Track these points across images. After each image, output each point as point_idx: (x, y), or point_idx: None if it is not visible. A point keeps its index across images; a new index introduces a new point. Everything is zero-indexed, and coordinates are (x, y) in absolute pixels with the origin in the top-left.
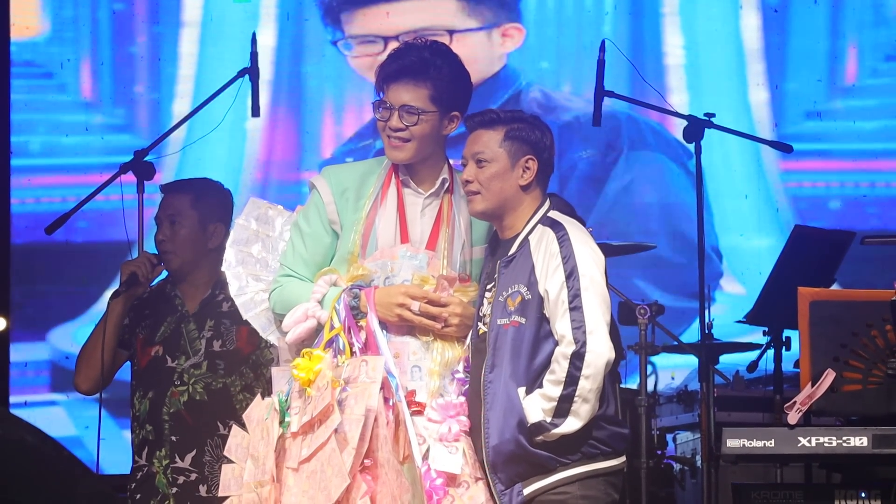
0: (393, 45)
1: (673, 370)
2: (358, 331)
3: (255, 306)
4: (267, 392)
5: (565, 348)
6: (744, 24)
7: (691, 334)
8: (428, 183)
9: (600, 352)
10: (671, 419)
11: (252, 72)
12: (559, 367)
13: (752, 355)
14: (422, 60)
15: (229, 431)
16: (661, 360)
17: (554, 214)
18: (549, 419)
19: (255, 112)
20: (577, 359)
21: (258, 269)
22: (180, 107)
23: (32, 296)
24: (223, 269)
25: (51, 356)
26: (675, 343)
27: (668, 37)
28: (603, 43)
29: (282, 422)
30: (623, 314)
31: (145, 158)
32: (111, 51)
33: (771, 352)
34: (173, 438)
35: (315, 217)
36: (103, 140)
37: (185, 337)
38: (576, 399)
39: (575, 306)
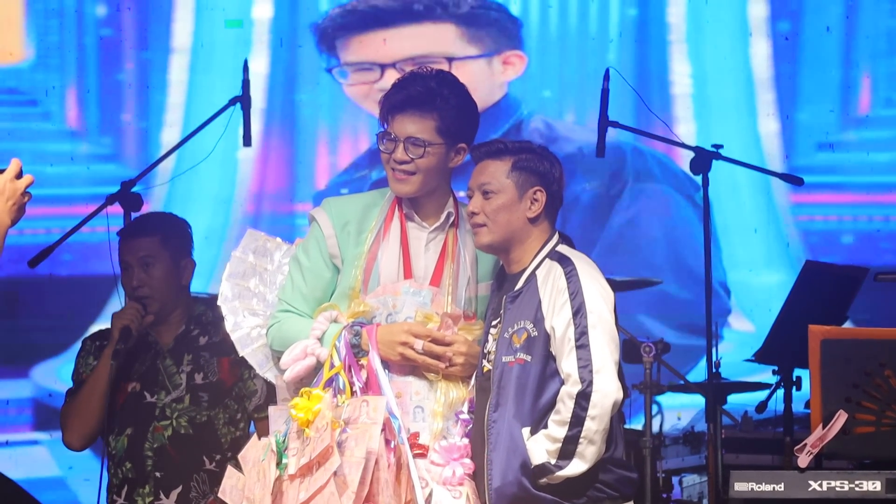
0: (390, 72)
1: (679, 410)
2: (359, 370)
3: (251, 342)
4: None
5: (571, 388)
6: (753, 53)
7: (698, 373)
8: (432, 216)
9: (607, 391)
10: (677, 461)
11: (244, 100)
12: (564, 407)
13: (761, 395)
14: (428, 90)
15: (215, 466)
16: (666, 399)
17: (562, 249)
18: (553, 461)
19: (247, 142)
20: (583, 399)
21: (255, 303)
22: (169, 136)
23: (15, 331)
24: (219, 303)
25: (33, 393)
26: (682, 382)
27: (675, 65)
28: (607, 71)
29: (279, 463)
30: (627, 352)
31: (132, 189)
32: (98, 78)
33: (781, 392)
34: (157, 475)
35: (315, 251)
36: (89, 170)
37: (162, 372)
38: (581, 440)
39: (582, 344)
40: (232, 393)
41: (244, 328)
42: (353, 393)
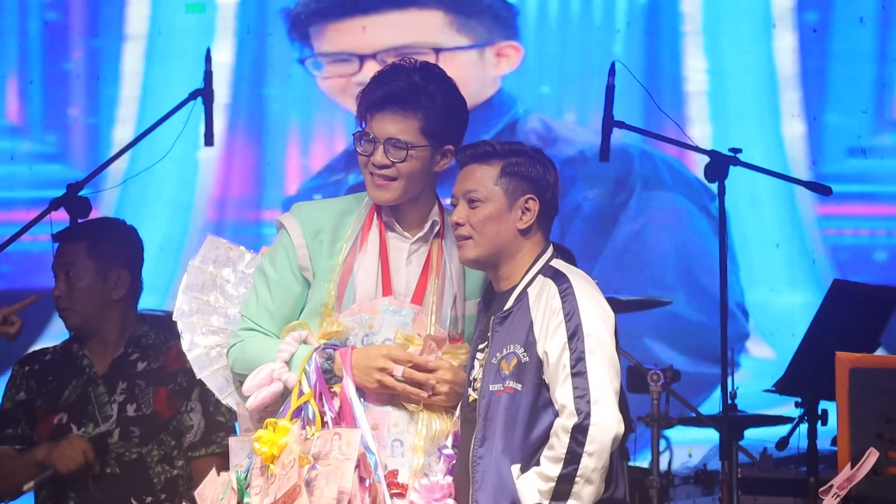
0: (370, 64)
1: (690, 446)
2: (331, 398)
3: (210, 363)
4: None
5: (566, 420)
6: (777, 46)
7: (712, 405)
8: (415, 226)
9: (606, 425)
10: (687, 503)
11: (206, 94)
12: (559, 442)
13: (782, 430)
14: (411, 86)
15: None
16: (676, 434)
17: (556, 264)
18: (546, 502)
19: (209, 141)
20: (579, 433)
21: (215, 319)
22: (122, 133)
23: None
24: (174, 317)
25: None
26: (693, 415)
27: (689, 59)
28: (613, 66)
29: (240, 503)
30: (633, 380)
31: (80, 193)
32: (42, 67)
33: (804, 426)
34: None
35: (283, 262)
36: (31, 170)
37: (93, 402)
38: (577, 479)
39: (578, 371)
40: (169, 427)
41: (202, 347)
42: (324, 424)
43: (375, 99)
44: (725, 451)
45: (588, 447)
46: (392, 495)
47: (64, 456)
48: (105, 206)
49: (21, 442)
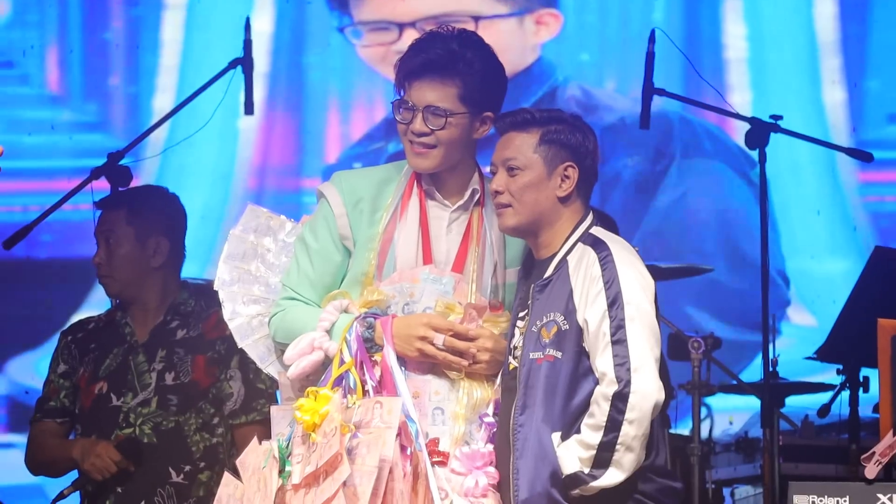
0: (409, 32)
1: (731, 414)
2: (372, 367)
3: (252, 332)
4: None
5: (606, 388)
6: (818, 13)
7: (753, 372)
8: (455, 194)
9: (647, 392)
10: (728, 471)
11: (245, 63)
12: (599, 410)
13: (823, 397)
14: (449, 53)
15: (184, 478)
16: (717, 401)
17: (596, 231)
18: (587, 470)
19: (249, 109)
20: (619, 400)
21: (256, 289)
22: (162, 102)
23: None
24: (216, 287)
25: (8, 390)
26: (734, 382)
27: (729, 26)
28: (653, 33)
29: (281, 471)
30: (674, 348)
31: (120, 162)
32: (82, 36)
33: (846, 394)
34: (118, 490)
35: (324, 231)
36: (72, 140)
37: (132, 370)
38: (618, 447)
39: (618, 339)
40: (208, 395)
41: (243, 316)
42: (364, 393)
43: (414, 67)
44: (767, 419)
45: (628, 415)
46: (433, 463)
47: (95, 468)
48: (145, 175)
49: (62, 415)
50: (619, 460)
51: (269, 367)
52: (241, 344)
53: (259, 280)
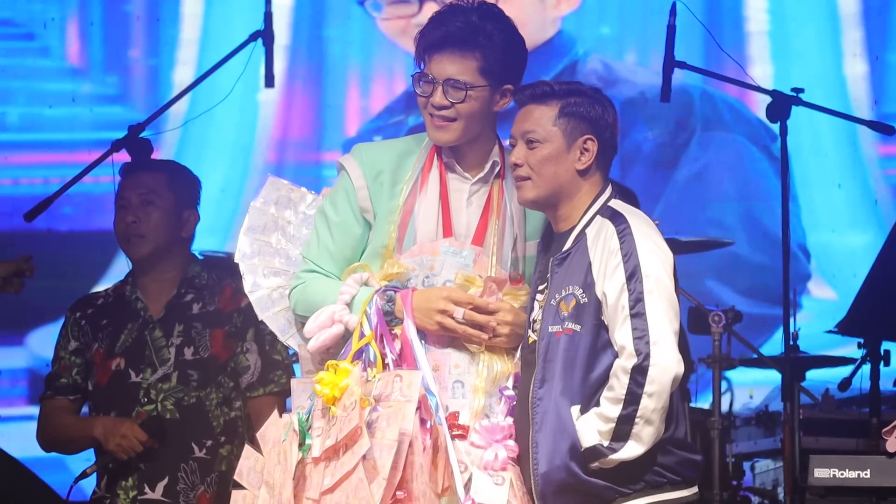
0: (429, 5)
1: (751, 387)
2: (392, 340)
3: (272, 305)
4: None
5: (625, 361)
6: None
7: (773, 346)
8: (476, 167)
9: (666, 365)
10: (749, 444)
11: (266, 35)
12: (618, 383)
13: (844, 371)
14: (469, 26)
15: (206, 453)
16: (737, 375)
17: (615, 204)
18: (606, 443)
19: (269, 82)
20: (638, 373)
21: (277, 261)
22: (182, 75)
23: (8, 294)
24: (236, 259)
25: (29, 363)
26: (755, 356)
27: None
28: (674, 6)
29: (301, 444)
30: (694, 321)
31: (141, 135)
32: (102, 9)
33: (867, 367)
34: (141, 466)
35: (344, 204)
36: (92, 112)
37: (149, 346)
38: (637, 420)
39: (637, 312)
40: (227, 369)
41: (264, 288)
42: (384, 366)
43: (434, 40)
44: (787, 393)
45: (647, 388)
46: (453, 436)
47: (121, 448)
48: (166, 148)
49: (74, 392)
50: (639, 433)
51: (290, 340)
52: (261, 316)
53: (280, 252)
